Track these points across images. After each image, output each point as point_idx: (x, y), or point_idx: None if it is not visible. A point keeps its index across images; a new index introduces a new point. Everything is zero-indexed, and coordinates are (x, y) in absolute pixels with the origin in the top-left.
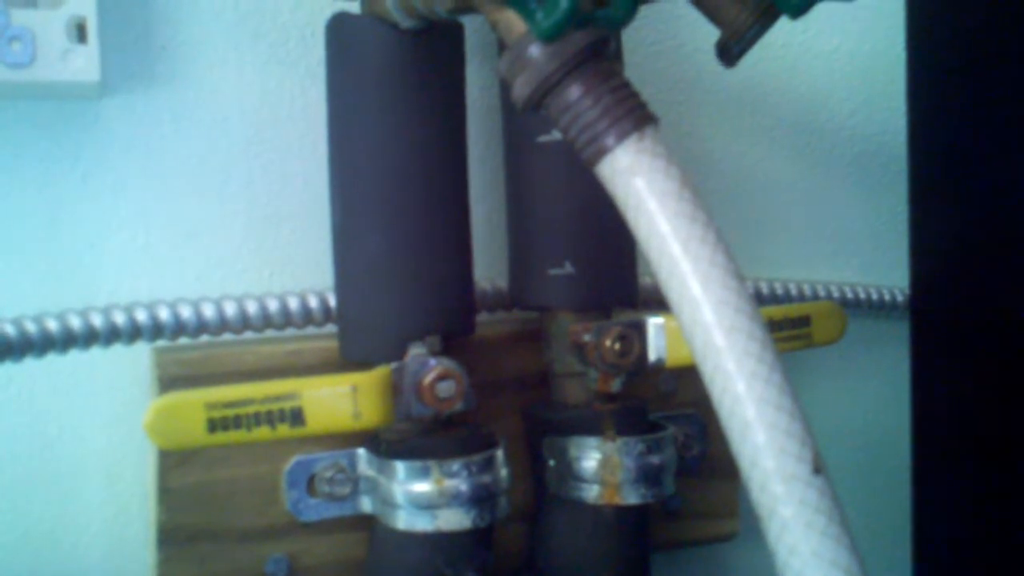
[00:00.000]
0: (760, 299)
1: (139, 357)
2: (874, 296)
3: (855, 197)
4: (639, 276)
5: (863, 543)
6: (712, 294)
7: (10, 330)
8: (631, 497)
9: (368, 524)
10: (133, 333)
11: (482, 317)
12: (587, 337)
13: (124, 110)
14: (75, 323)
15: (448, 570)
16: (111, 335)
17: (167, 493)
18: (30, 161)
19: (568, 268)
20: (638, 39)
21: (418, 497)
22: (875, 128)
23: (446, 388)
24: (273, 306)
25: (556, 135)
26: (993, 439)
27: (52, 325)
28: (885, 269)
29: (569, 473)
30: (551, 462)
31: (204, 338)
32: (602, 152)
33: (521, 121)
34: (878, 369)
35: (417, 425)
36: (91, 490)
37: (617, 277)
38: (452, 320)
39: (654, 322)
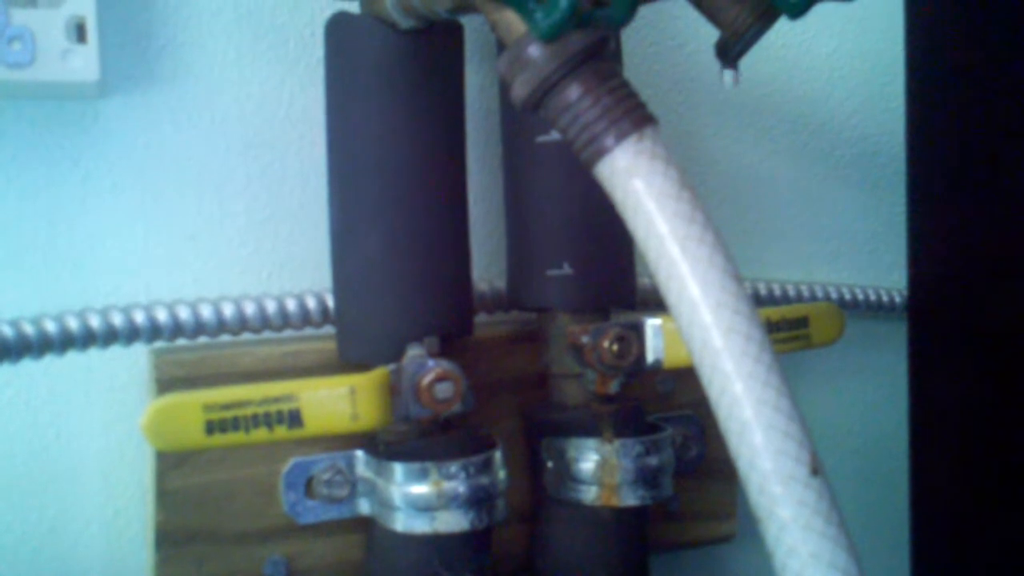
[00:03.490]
0: (758, 300)
1: (137, 358)
2: (872, 297)
3: (854, 198)
4: (638, 277)
5: (861, 544)
6: (710, 295)
7: (8, 331)
8: (629, 499)
9: (366, 526)
10: (131, 334)
11: (480, 318)
12: (585, 338)
13: (123, 110)
14: (73, 324)
15: (446, 572)
16: (109, 336)
17: (165, 495)
18: (29, 161)
19: (566, 269)
20: (638, 39)
21: (416, 499)
22: (874, 129)
23: (444, 389)
24: (271, 307)
25: (555, 136)
26: (991, 440)
27: (50, 326)
28: (883, 270)
29: (567, 474)
30: (549, 463)
31: (202, 339)
32: (601, 153)
33: (520, 121)
34: (876, 370)
35: (415, 427)
36: (89, 492)
37: (615, 278)
38: (450, 321)
39: (652, 323)
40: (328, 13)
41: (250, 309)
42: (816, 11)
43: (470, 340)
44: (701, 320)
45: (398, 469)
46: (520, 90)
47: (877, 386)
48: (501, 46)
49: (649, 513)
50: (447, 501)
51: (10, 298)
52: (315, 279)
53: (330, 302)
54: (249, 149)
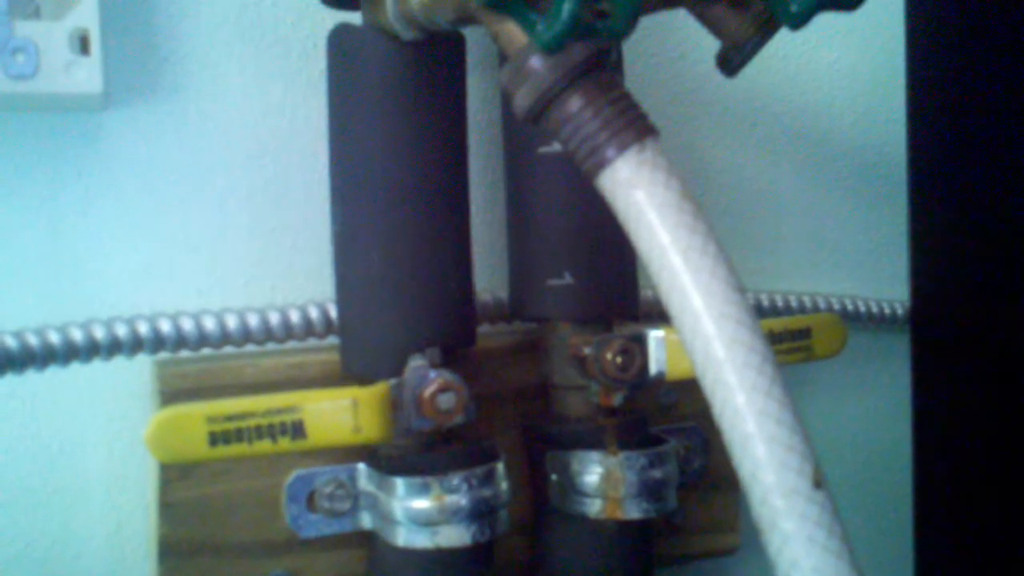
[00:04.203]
0: (761, 311)
1: (140, 370)
2: (874, 309)
3: (855, 209)
4: (640, 289)
5: (864, 557)
6: (713, 306)
7: (12, 343)
8: (633, 512)
9: (368, 540)
10: (134, 346)
11: (483, 328)
12: (587, 351)
13: (127, 122)
14: (77, 336)
15: None
16: (113, 348)
17: (168, 507)
18: (33, 173)
19: (568, 279)
20: (639, 50)
21: (418, 514)
22: (875, 140)
23: (446, 400)
24: (274, 319)
25: (557, 147)
26: (994, 452)
27: (54, 337)
28: (885, 282)
29: (571, 487)
30: (553, 476)
31: (206, 351)
32: (602, 164)
33: (522, 132)
34: (879, 382)
35: (417, 440)
36: (92, 503)
37: (618, 288)
38: (452, 332)
39: (655, 335)
40: (330, 24)
41: (253, 321)
42: (817, 22)
43: (472, 351)
44: (704, 331)
45: (399, 484)
46: (522, 101)
47: (880, 398)
48: (503, 57)
49: (653, 526)
50: (449, 515)
51: (14, 309)
52: (318, 290)
53: (333, 313)
54: (252, 160)
